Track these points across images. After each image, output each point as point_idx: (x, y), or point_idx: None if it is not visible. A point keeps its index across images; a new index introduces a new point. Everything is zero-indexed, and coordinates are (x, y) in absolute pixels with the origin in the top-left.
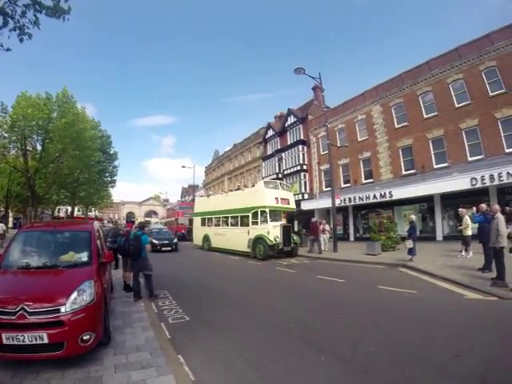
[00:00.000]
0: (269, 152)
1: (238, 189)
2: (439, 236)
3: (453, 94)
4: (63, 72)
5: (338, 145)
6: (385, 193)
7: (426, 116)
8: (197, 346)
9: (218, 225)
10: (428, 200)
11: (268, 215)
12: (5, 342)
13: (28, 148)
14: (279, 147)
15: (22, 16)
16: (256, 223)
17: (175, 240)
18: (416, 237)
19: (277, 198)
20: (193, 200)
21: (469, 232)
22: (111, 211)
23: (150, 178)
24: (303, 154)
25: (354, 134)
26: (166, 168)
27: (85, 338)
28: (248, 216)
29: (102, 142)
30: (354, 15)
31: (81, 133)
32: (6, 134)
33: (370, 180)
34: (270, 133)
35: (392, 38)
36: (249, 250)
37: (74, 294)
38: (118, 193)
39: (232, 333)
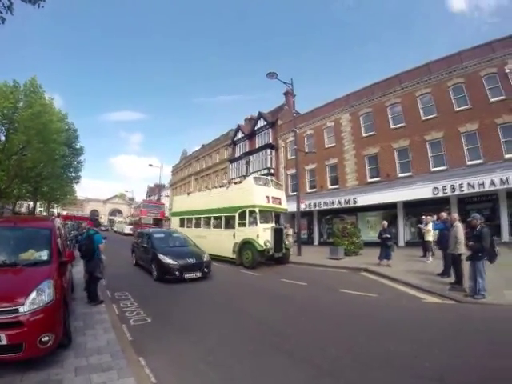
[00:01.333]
0: (237, 154)
1: (221, 185)
2: (401, 242)
3: (420, 106)
4: (31, 59)
5: (306, 150)
6: (349, 199)
7: (393, 126)
8: (158, 349)
9: (199, 226)
10: (391, 207)
11: (258, 216)
12: None
13: None
14: (247, 150)
15: None
16: (243, 225)
17: (207, 257)
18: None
19: (268, 197)
20: (158, 199)
21: (430, 238)
22: (74, 208)
23: (116, 175)
24: (271, 158)
25: (321, 140)
26: (132, 166)
27: (44, 339)
28: (234, 216)
29: (68, 135)
30: (332, 26)
31: (47, 125)
32: None
33: (336, 186)
34: (240, 135)
35: (366, 48)
36: (234, 256)
37: (33, 294)
38: (82, 189)
39: (195, 335)
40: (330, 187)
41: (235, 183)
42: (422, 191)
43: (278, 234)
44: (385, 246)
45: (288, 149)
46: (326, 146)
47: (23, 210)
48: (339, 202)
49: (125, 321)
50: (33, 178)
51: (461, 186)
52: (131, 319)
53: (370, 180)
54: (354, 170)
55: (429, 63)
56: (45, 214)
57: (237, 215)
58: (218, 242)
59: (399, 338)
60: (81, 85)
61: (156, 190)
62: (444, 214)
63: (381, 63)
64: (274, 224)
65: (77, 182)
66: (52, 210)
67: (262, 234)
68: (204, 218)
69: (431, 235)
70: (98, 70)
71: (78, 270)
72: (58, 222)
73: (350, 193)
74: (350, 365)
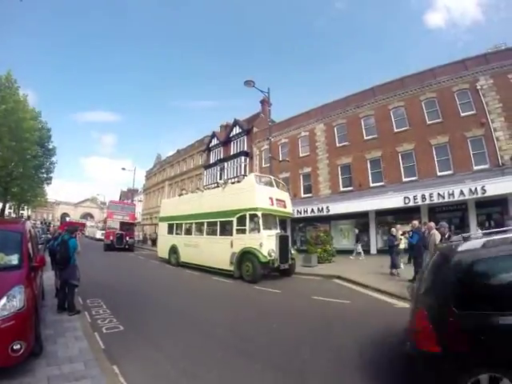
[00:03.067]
0: (212, 161)
1: (216, 186)
2: (373, 250)
3: (393, 119)
4: (9, 52)
5: (280, 159)
6: (322, 207)
7: (366, 137)
8: (132, 357)
9: (190, 233)
10: (363, 216)
11: (261, 221)
12: None
13: None
14: (222, 156)
15: None
16: (243, 231)
17: None
18: (396, 250)
19: (271, 199)
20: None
21: (401, 246)
22: (45, 211)
23: (88, 177)
24: (245, 165)
25: (296, 149)
26: (104, 168)
27: (16, 347)
28: (231, 222)
29: (41, 134)
30: (311, 37)
31: (20, 123)
32: None
33: (309, 194)
34: (215, 141)
35: (342, 61)
36: (231, 268)
37: (3, 300)
38: (53, 192)
39: (168, 343)
40: (303, 195)
41: (232, 183)
42: (393, 200)
43: (283, 242)
44: (394, 254)
45: (263, 157)
46: (301, 155)
47: None
48: (312, 210)
49: (97, 329)
50: (3, 178)
51: (431, 195)
52: (103, 327)
53: (342, 189)
54: (328, 179)
55: (403, 78)
56: (14, 216)
57: (235, 220)
58: (212, 251)
59: (369, 341)
60: (53, 81)
61: (129, 194)
62: (416, 223)
63: (356, 76)
64: (278, 230)
65: (48, 184)
66: (22, 211)
67: (266, 243)
68: (196, 223)
69: (402, 243)
70: (72, 66)
71: (48, 276)
72: (29, 224)
73: (323, 201)
74: (320, 367)
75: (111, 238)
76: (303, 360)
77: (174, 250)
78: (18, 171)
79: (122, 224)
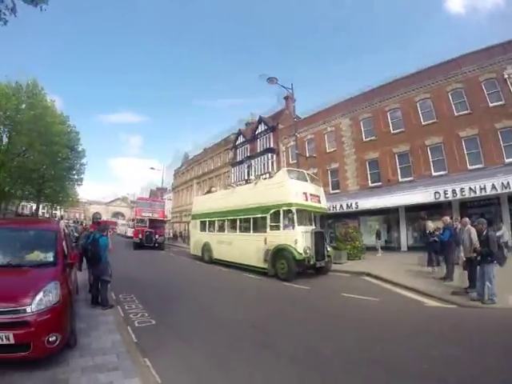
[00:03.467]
0: (238, 158)
1: (248, 181)
2: (404, 246)
3: (420, 111)
4: (31, 59)
5: (307, 155)
6: (351, 203)
7: (393, 131)
8: (163, 350)
9: (223, 230)
10: (393, 212)
11: (295, 217)
12: None
13: None
14: (249, 154)
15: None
16: (277, 228)
17: None
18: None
19: (305, 194)
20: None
21: None
22: (77, 211)
23: (117, 177)
24: (272, 162)
25: (322, 145)
26: (132, 168)
27: (51, 339)
28: (265, 218)
29: (70, 138)
30: (331, 31)
31: (49, 127)
32: None
33: (337, 190)
34: (241, 139)
35: (366, 55)
36: (265, 266)
37: (40, 295)
38: (84, 192)
39: (198, 337)
40: (331, 191)
41: (264, 178)
42: (423, 196)
43: (319, 238)
44: (433, 250)
45: (289, 153)
46: (328, 151)
47: (26, 211)
48: (341, 207)
49: (129, 322)
50: (36, 180)
51: (462, 190)
52: (136, 321)
53: (371, 184)
54: (356, 174)
55: (427, 68)
56: (47, 215)
57: (268, 216)
58: (245, 248)
59: (396, 340)
60: (80, 86)
61: (158, 193)
62: (447, 218)
63: (380, 68)
64: (313, 226)
65: (79, 185)
66: (55, 211)
67: (301, 239)
68: (228, 220)
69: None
70: (98, 70)
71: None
72: (63, 224)
73: (352, 197)
74: (342, 364)
75: (140, 235)
76: (325, 356)
77: (206, 247)
78: (50, 173)
79: (151, 221)
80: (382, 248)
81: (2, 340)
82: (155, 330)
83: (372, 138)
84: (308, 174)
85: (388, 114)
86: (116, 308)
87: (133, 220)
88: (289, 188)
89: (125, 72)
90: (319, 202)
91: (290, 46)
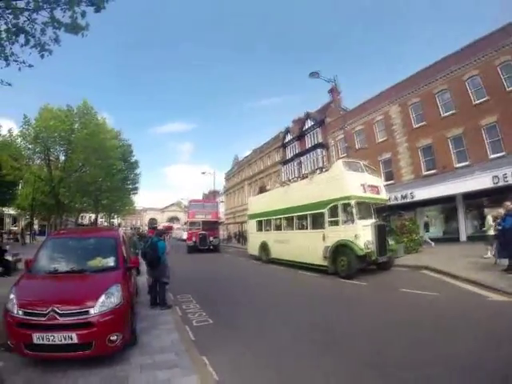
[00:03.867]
0: (288, 156)
1: (303, 177)
2: (463, 237)
3: (470, 90)
4: (80, 81)
5: (357, 147)
6: (406, 194)
7: (443, 115)
8: (221, 348)
9: (280, 228)
10: (450, 200)
11: (355, 210)
12: (35, 341)
13: (51, 158)
14: (298, 151)
15: (42, 34)
16: (336, 223)
17: None
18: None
19: (363, 185)
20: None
21: (491, 232)
22: (134, 218)
23: (170, 184)
24: (322, 158)
25: (372, 135)
26: (184, 174)
27: (112, 338)
28: (323, 214)
29: (123, 150)
30: (365, 16)
31: (102, 143)
32: (30, 146)
33: (391, 181)
34: (289, 137)
35: (405, 38)
36: (325, 263)
37: (103, 297)
38: (140, 199)
39: (255, 336)
40: (385, 183)
41: (319, 173)
42: (481, 181)
43: (380, 232)
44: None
45: (339, 146)
46: (378, 141)
47: (85, 221)
48: (395, 198)
49: (188, 322)
50: (93, 192)
51: None
52: (194, 320)
53: (426, 173)
54: (409, 163)
55: (474, 43)
56: (106, 224)
57: (326, 211)
58: (303, 246)
59: (460, 337)
60: (128, 100)
61: (211, 196)
62: (508, 204)
63: (422, 47)
64: (374, 220)
65: (135, 194)
66: (112, 220)
67: (362, 234)
68: (285, 218)
69: (492, 229)
70: (143, 84)
71: (141, 274)
72: (122, 231)
73: (407, 187)
74: (408, 364)
75: (194, 238)
76: (392, 356)
77: (264, 246)
78: (106, 185)
79: (205, 223)
80: (440, 239)
81: (66, 340)
82: (213, 329)
83: (423, 123)
84: (365, 164)
85: (437, 96)
86: (174, 308)
87: (186, 223)
88: (346, 180)
89: (172, 84)
90: (378, 192)
91: (332, 38)
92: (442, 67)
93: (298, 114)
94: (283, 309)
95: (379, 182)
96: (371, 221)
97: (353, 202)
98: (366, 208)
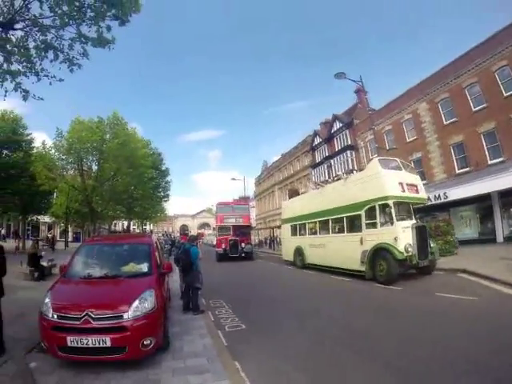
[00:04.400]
0: (317, 160)
1: (337, 178)
2: (499, 237)
3: (500, 82)
4: (109, 94)
5: (387, 147)
6: (439, 194)
7: (474, 109)
8: (253, 354)
9: (315, 233)
10: (485, 199)
11: (393, 211)
12: (69, 344)
13: (84, 168)
14: (327, 154)
15: (70, 49)
16: (373, 225)
17: None
18: None
19: (402, 184)
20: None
21: None
22: (165, 224)
23: (200, 190)
24: (352, 160)
25: (402, 134)
26: (214, 181)
27: (146, 342)
28: (359, 216)
29: (154, 159)
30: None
31: (133, 152)
32: (63, 157)
33: (423, 182)
34: (317, 140)
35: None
36: (362, 268)
37: (136, 302)
38: (171, 206)
39: (288, 341)
40: None
41: (351, 173)
42: None
43: (421, 234)
44: None
45: (368, 148)
46: (408, 140)
47: (118, 228)
48: (429, 199)
49: (220, 327)
50: (125, 200)
51: None
52: (226, 325)
53: (459, 171)
54: (441, 162)
55: (499, 32)
56: (138, 230)
57: (363, 213)
58: (340, 250)
59: (503, 345)
60: (156, 110)
61: (241, 202)
62: None
63: (446, 41)
64: (414, 221)
65: (166, 201)
66: (145, 227)
67: (402, 236)
68: (320, 221)
69: None
70: (170, 94)
71: (174, 279)
72: (155, 237)
73: (439, 187)
74: (438, 372)
75: (223, 245)
76: (425, 363)
77: (299, 251)
78: (138, 193)
79: (235, 228)
80: (475, 241)
81: (100, 343)
82: (245, 334)
83: (453, 119)
84: (402, 161)
85: (466, 90)
86: (207, 313)
87: (214, 229)
88: (383, 179)
89: (200, 92)
90: (417, 191)
91: (357, 36)
92: (469, 59)
93: (326, 116)
94: (316, 314)
95: (418, 180)
96: (411, 222)
97: (391, 203)
98: (405, 208)
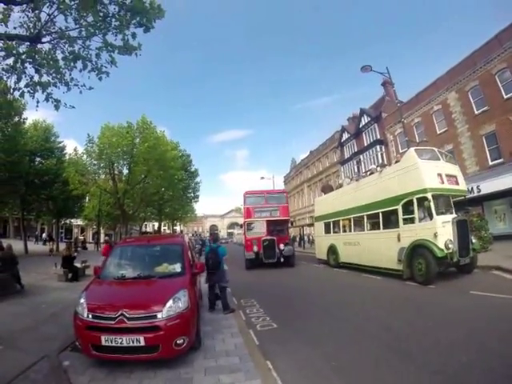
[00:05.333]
0: (346, 156)
1: (370, 173)
2: None
3: None
4: (136, 99)
5: (417, 140)
6: (472, 187)
7: (506, 96)
8: (284, 353)
9: (348, 230)
10: None
11: (432, 205)
12: (103, 343)
13: (115, 172)
14: (356, 150)
15: (98, 58)
16: (411, 221)
17: None
18: None
19: (440, 175)
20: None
21: None
22: (195, 225)
23: (229, 190)
24: (382, 154)
25: (432, 126)
26: (242, 180)
27: (179, 341)
28: (396, 211)
29: (183, 160)
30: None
31: (163, 154)
32: (95, 162)
33: None
34: (345, 136)
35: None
36: (400, 267)
37: (170, 302)
38: (200, 207)
39: (320, 341)
40: None
41: (386, 165)
42: None
43: (463, 229)
44: None
45: (398, 141)
46: (438, 132)
47: (149, 229)
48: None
49: (251, 326)
50: (156, 202)
51: None
52: (258, 325)
53: (491, 163)
54: (473, 153)
55: None
56: (168, 231)
57: (400, 208)
58: (374, 248)
59: None
60: (181, 112)
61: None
62: None
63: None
64: (454, 215)
65: (196, 202)
66: (175, 227)
67: (442, 232)
68: (354, 218)
69: None
70: (195, 97)
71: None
72: (187, 237)
73: (472, 180)
74: (478, 373)
75: (255, 247)
76: (461, 363)
77: (332, 250)
78: (169, 194)
79: (270, 224)
80: (510, 236)
81: (134, 342)
82: (277, 333)
83: (484, 108)
84: (440, 151)
85: (496, 77)
86: (238, 312)
87: (241, 226)
88: (420, 170)
89: (226, 93)
90: (457, 183)
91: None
92: (497, 44)
93: (354, 111)
94: (348, 312)
95: (457, 170)
96: (451, 216)
97: (429, 195)
98: (444, 201)
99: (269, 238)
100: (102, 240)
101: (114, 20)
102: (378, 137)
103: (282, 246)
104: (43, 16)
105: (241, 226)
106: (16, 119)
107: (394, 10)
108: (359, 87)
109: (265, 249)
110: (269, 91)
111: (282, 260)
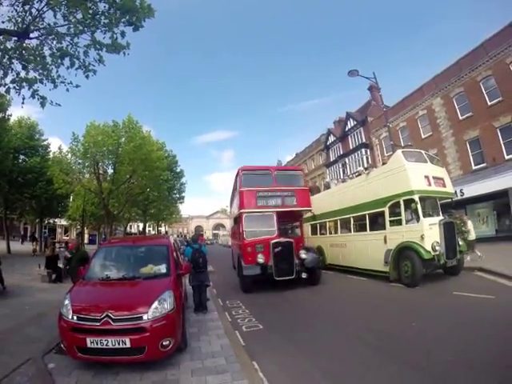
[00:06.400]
0: (332, 158)
1: (357, 174)
2: None
3: None
4: (122, 98)
5: (402, 144)
6: (456, 191)
7: (490, 103)
8: (271, 354)
9: (335, 231)
10: (502, 195)
11: (419, 207)
12: (89, 345)
13: (100, 171)
14: (342, 153)
15: (86, 55)
16: (398, 223)
17: None
18: None
19: (427, 177)
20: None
21: None
22: (180, 226)
23: (213, 191)
24: (367, 158)
25: (416, 131)
26: (227, 181)
27: (165, 343)
28: (383, 213)
29: (169, 161)
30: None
31: (149, 154)
32: (80, 161)
33: None
34: (331, 139)
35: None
36: (386, 269)
37: (156, 303)
38: (185, 208)
39: (306, 342)
40: None
41: (370, 169)
42: None
43: (449, 231)
44: None
45: (383, 145)
46: (423, 137)
47: (134, 230)
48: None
49: (237, 327)
50: (141, 202)
51: None
52: (243, 326)
53: (475, 167)
54: (457, 158)
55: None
56: (153, 232)
57: (386, 210)
58: (361, 250)
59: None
60: (167, 113)
61: None
62: None
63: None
64: (441, 217)
65: (181, 202)
66: (160, 228)
67: (429, 234)
68: (341, 220)
69: None
70: (181, 95)
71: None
72: (173, 238)
73: (456, 184)
74: (462, 370)
75: (260, 258)
76: (444, 361)
77: (319, 251)
78: (154, 195)
79: (281, 216)
80: (492, 238)
81: (120, 344)
82: (263, 334)
83: (468, 114)
84: (427, 153)
85: (481, 84)
86: (224, 314)
87: (235, 221)
88: (407, 172)
89: (212, 93)
90: (444, 185)
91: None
92: (482, 52)
93: (340, 115)
94: (333, 314)
95: (444, 172)
96: (438, 218)
97: (416, 197)
98: (431, 204)
99: (283, 240)
100: (86, 241)
101: (103, 18)
102: (364, 140)
103: (302, 254)
104: (32, 11)
105: (235, 220)
106: (0, 115)
107: (386, 9)
108: (349, 90)
109: (277, 259)
110: (257, 92)
111: (303, 276)
